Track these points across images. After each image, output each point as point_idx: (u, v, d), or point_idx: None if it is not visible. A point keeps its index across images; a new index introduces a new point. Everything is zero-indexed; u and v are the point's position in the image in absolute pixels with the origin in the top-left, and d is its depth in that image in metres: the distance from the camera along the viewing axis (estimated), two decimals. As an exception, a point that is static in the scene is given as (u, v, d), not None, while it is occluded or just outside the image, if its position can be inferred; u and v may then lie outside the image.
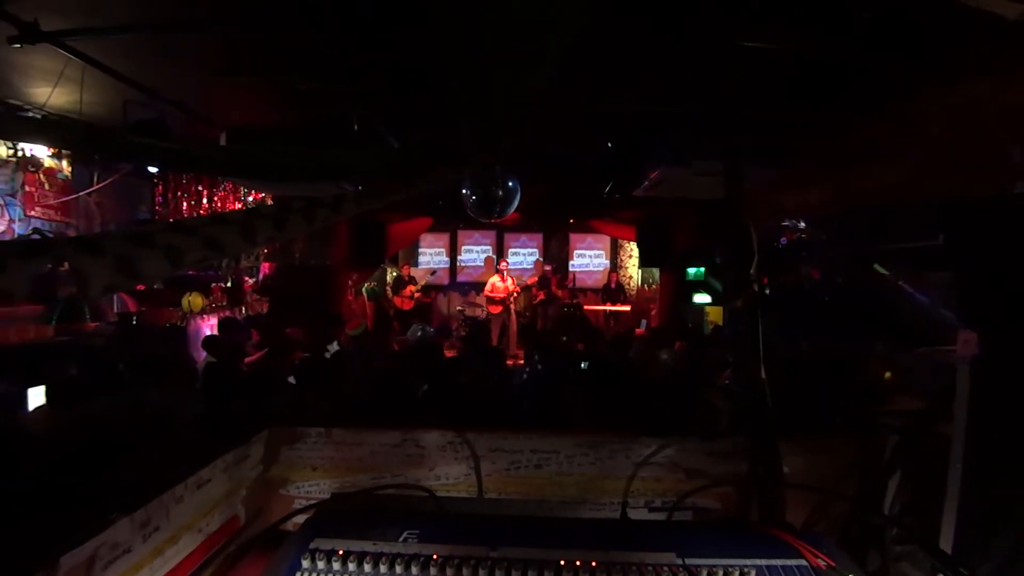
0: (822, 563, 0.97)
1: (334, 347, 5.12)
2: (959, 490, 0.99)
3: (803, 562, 0.99)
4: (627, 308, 9.91)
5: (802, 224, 5.96)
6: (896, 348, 2.90)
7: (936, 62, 3.21)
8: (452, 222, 10.34)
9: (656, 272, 10.41)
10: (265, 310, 7.44)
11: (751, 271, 1.48)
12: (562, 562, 0.97)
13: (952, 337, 1.12)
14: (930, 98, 3.57)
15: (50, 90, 3.82)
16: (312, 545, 1.01)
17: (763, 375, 1.34)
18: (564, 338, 4.45)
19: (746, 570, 0.95)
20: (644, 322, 9.33)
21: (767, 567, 0.98)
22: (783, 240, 6.40)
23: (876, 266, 5.27)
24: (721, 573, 0.95)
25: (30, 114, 4.25)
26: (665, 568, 0.96)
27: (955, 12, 2.37)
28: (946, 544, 1.02)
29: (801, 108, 4.16)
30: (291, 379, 3.54)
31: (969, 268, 1.20)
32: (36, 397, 3.47)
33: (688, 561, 0.99)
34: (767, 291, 6.23)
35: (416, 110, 4.30)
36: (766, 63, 3.39)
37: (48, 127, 3.18)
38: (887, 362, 2.54)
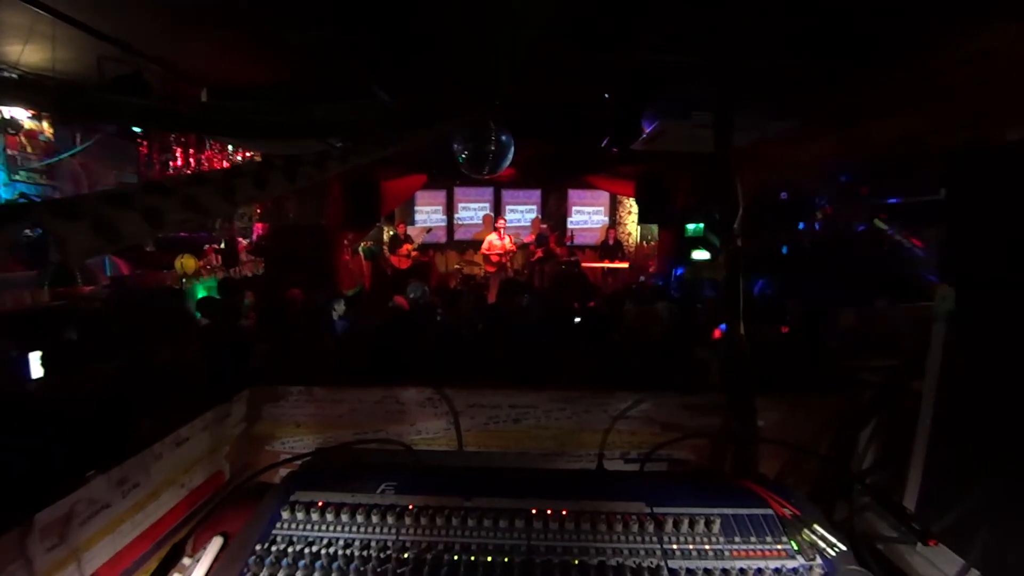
0: (788, 512, 1.00)
1: (341, 307, 5.10)
2: (925, 446, 1.00)
3: (769, 511, 1.01)
4: (625, 265, 9.90)
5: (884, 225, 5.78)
6: (888, 303, 2.89)
7: (963, 5, 3.03)
8: (448, 180, 10.19)
9: (655, 229, 10.33)
10: (260, 271, 7.44)
11: (735, 226, 1.45)
12: (534, 511, 1.00)
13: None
14: (954, 45, 3.38)
15: (21, 48, 3.66)
16: (293, 497, 1.04)
17: (742, 331, 1.33)
18: (526, 295, 4.43)
19: (712, 518, 0.97)
20: (642, 279, 9.33)
21: (733, 516, 1.00)
22: (783, 195, 6.30)
23: (876, 221, 5.20)
24: (687, 521, 0.97)
25: (4, 73, 4.10)
26: (633, 516, 0.99)
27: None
28: (911, 498, 1.04)
29: (816, 57, 3.97)
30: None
31: (958, 221, 1.17)
32: (38, 361, 3.52)
33: (656, 510, 1.01)
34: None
35: (408, 63, 4.13)
36: (777, 7, 3.22)
37: (11, 87, 3.06)
38: (870, 317, 2.54)
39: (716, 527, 0.97)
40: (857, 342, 2.22)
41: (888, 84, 4.01)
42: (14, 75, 4.19)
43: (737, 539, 0.96)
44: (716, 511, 1.00)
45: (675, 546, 0.95)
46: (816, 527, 0.96)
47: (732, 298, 1.32)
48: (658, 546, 0.95)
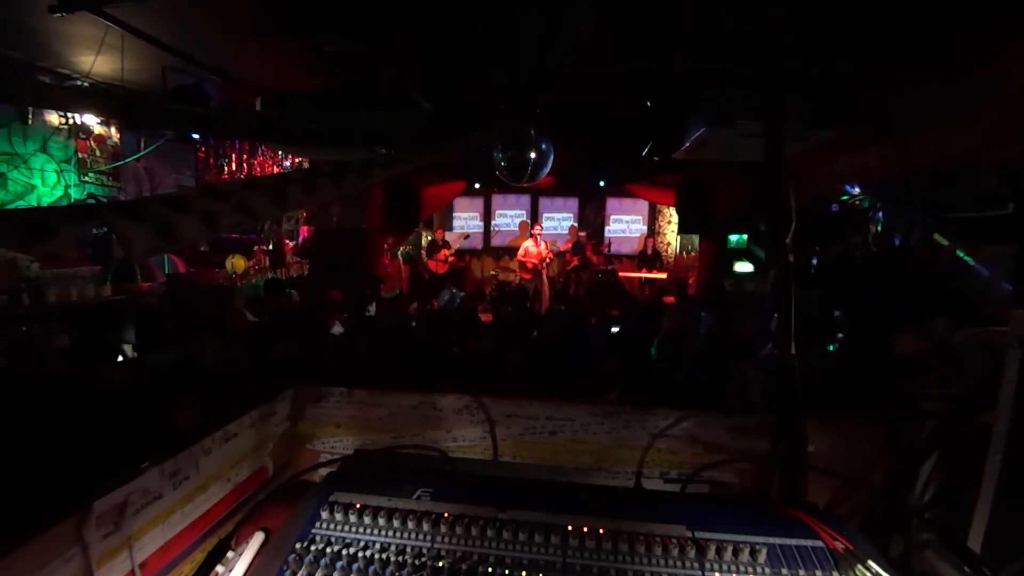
0: (840, 546, 0.94)
1: (372, 308, 5.26)
2: (995, 483, 0.92)
3: (819, 543, 0.95)
4: (663, 276, 9.70)
5: (856, 189, 5.56)
6: (949, 325, 2.70)
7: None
8: (487, 186, 10.28)
9: (696, 239, 10.08)
10: (306, 272, 7.69)
11: (787, 240, 1.40)
12: (570, 527, 0.97)
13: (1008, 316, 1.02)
14: (1015, 53, 3.17)
15: (93, 58, 3.94)
16: (332, 498, 1.06)
17: (793, 351, 1.27)
18: (562, 308, 4.37)
19: (758, 548, 0.92)
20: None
21: (780, 546, 0.95)
22: (834, 207, 6.02)
23: (936, 236, 4.90)
24: (731, 549, 0.92)
25: (78, 83, 4.42)
26: (673, 540, 0.95)
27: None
28: (976, 538, 0.95)
29: (865, 63, 3.80)
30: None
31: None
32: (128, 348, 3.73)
33: (698, 535, 0.97)
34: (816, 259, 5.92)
35: (447, 72, 4.21)
36: (825, 11, 3.10)
37: (83, 95, 3.29)
38: (934, 340, 2.38)
39: (762, 557, 0.92)
40: (916, 367, 2.08)
41: (939, 92, 3.79)
42: (86, 84, 4.52)
43: (784, 571, 0.91)
44: (762, 539, 0.95)
45: (717, 574, 0.91)
46: (871, 563, 0.90)
47: (783, 316, 1.27)
48: (699, 572, 0.91)
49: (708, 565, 0.91)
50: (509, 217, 11.21)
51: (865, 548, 0.93)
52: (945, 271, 4.60)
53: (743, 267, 8.08)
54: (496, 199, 11.08)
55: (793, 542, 0.96)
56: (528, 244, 9.10)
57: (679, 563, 0.92)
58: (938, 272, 4.67)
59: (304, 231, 8.12)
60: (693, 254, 10.46)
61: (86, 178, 5.41)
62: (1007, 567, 0.89)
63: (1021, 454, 0.92)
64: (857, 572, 0.89)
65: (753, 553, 0.92)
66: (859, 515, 1.19)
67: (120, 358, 3.47)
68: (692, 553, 0.93)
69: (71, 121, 5.17)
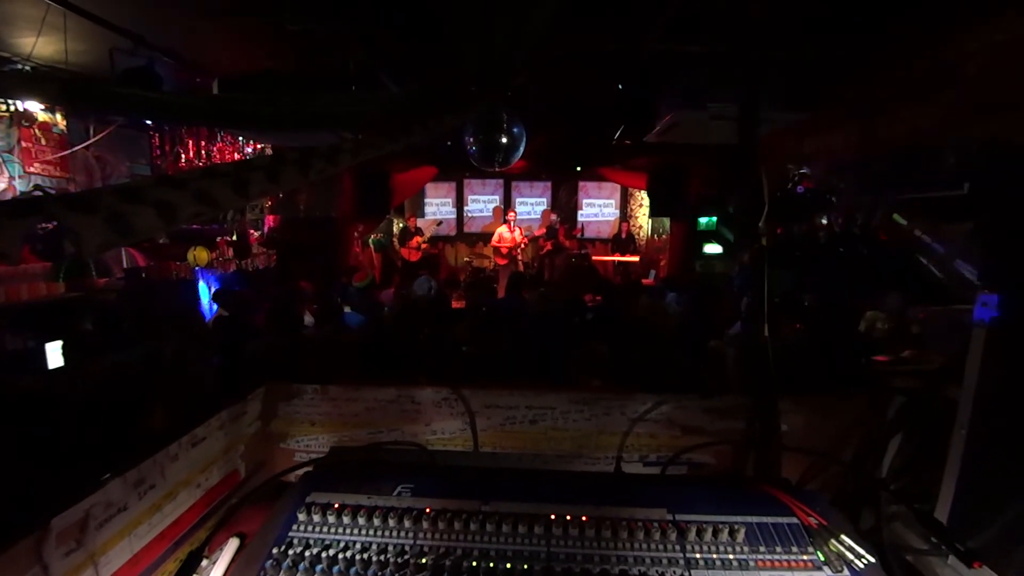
0: (814, 522, 0.97)
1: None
2: (961, 457, 0.96)
3: (795, 520, 0.98)
4: (636, 258, 9.81)
5: (805, 170, 5.71)
6: (910, 302, 2.81)
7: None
8: (458, 172, 10.14)
9: (667, 222, 10.21)
10: (272, 263, 7.46)
11: (760, 223, 1.41)
12: (553, 516, 0.97)
13: (967, 294, 1.05)
14: (972, 35, 3.27)
15: (34, 40, 3.66)
16: (309, 499, 1.03)
17: (767, 332, 1.29)
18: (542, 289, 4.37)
19: (736, 527, 0.95)
20: (653, 272, 9.25)
21: (758, 524, 0.97)
22: (799, 188, 6.17)
23: (896, 216, 5.08)
24: (711, 530, 0.94)
25: (18, 66, 4.11)
26: (655, 524, 0.96)
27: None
28: (943, 511, 1.00)
29: (830, 47, 3.86)
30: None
31: (995, 221, 1.11)
32: (54, 352, 3.57)
33: (679, 517, 0.99)
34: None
35: (417, 53, 4.08)
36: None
37: (24, 80, 3.06)
38: (898, 318, 2.47)
39: (741, 536, 0.94)
40: (879, 344, 2.16)
41: (902, 75, 3.90)
42: (27, 67, 4.22)
43: (762, 548, 0.93)
44: (740, 519, 0.97)
45: (698, 555, 0.92)
46: (843, 537, 0.93)
47: (757, 298, 1.28)
48: (681, 555, 0.92)
49: (689, 547, 0.93)
50: (482, 203, 11.10)
51: (838, 522, 0.96)
52: (904, 250, 4.78)
53: (712, 248, 8.23)
54: (468, 184, 10.95)
55: (769, 520, 0.98)
56: (502, 230, 9.06)
57: (661, 546, 0.93)
58: (897, 251, 4.85)
59: (270, 220, 7.85)
60: (664, 237, 10.59)
61: (31, 169, 5.08)
62: (974, 538, 0.93)
63: (985, 428, 0.96)
64: (831, 546, 0.92)
65: (732, 533, 0.94)
66: (830, 489, 1.23)
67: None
68: (673, 536, 0.94)
69: (12, 108, 4.82)
